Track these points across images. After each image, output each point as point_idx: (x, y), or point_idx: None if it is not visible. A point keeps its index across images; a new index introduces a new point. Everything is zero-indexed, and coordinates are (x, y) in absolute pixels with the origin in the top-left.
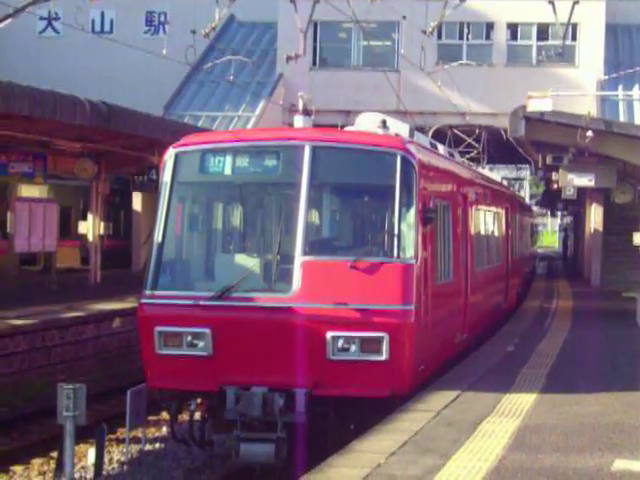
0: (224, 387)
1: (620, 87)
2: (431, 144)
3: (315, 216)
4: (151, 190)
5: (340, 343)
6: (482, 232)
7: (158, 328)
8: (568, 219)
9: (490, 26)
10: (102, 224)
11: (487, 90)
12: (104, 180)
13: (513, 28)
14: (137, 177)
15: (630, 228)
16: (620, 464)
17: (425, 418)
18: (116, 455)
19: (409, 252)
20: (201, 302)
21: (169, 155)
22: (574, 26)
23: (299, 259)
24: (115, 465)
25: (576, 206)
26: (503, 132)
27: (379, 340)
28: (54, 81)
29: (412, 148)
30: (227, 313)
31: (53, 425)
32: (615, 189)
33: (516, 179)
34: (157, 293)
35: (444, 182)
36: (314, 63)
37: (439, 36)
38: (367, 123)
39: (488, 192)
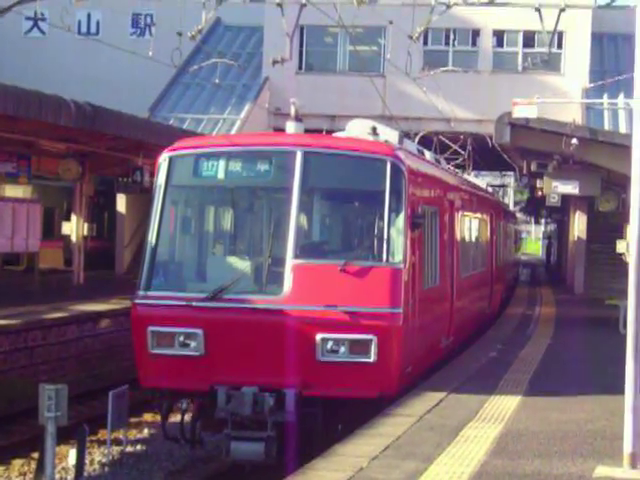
0: (215, 387)
1: (605, 95)
2: (418, 150)
3: (306, 220)
4: (135, 192)
5: (329, 345)
6: (467, 238)
7: (151, 328)
8: (552, 226)
9: (476, 33)
10: (86, 225)
11: (472, 96)
12: (88, 181)
13: (499, 35)
14: (121, 179)
15: (614, 236)
16: (602, 471)
17: (407, 423)
18: (97, 456)
19: (398, 256)
20: (194, 303)
21: (163, 159)
22: (560, 34)
23: (290, 262)
24: (96, 466)
25: (560, 213)
26: (488, 139)
27: (368, 342)
28: (39, 82)
29: (402, 154)
30: (219, 314)
31: (34, 426)
32: (599, 197)
33: (500, 186)
34: (150, 294)
35: (432, 188)
36: (300, 67)
37: (425, 42)
38: (357, 129)
39: (474, 199)
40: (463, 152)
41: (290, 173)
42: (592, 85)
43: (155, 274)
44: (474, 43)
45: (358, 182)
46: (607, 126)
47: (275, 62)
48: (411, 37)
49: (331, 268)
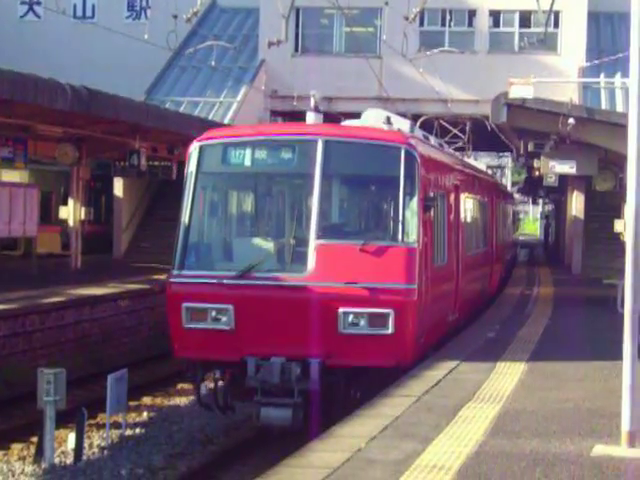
0: (245, 357)
1: (602, 75)
2: (424, 137)
3: (327, 204)
4: (132, 175)
5: (350, 318)
6: (471, 219)
7: (185, 304)
8: (549, 206)
9: (472, 13)
10: (83, 209)
11: (469, 77)
12: (85, 165)
13: (495, 15)
14: (118, 162)
15: (611, 215)
16: (600, 449)
17: (406, 403)
18: (96, 440)
19: (412, 236)
20: (224, 281)
21: (194, 147)
22: (556, 13)
23: (313, 242)
24: (95, 450)
25: (557, 193)
26: (487, 123)
27: (385, 316)
28: (35, 66)
29: (414, 142)
30: (248, 291)
31: (33, 410)
32: (596, 176)
33: (497, 167)
34: (184, 273)
35: (440, 173)
36: (296, 49)
37: (421, 23)
38: (372, 119)
39: (476, 181)
40: (463, 136)
41: (312, 160)
42: (589, 64)
43: (188, 255)
44: (470, 24)
45: (375, 168)
46: (604, 105)
47: (271, 44)
48: (407, 18)
49: (351, 248)
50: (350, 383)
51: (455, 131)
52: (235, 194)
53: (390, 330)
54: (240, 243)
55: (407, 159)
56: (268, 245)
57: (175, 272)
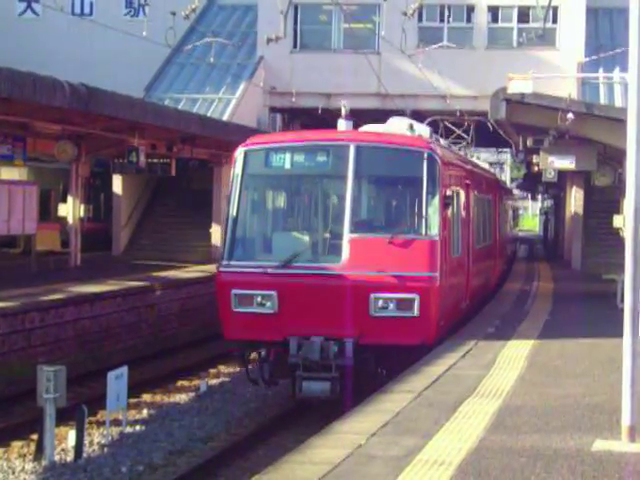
0: (288, 337)
1: (601, 70)
2: (436, 139)
3: (359, 202)
4: (131, 172)
5: (380, 302)
6: (479, 215)
7: (234, 291)
8: (549, 202)
9: (471, 8)
10: (82, 207)
11: (468, 72)
12: (84, 162)
13: (494, 10)
14: (117, 159)
15: (610, 211)
16: (600, 444)
17: (406, 399)
18: (96, 437)
19: (434, 230)
20: (269, 270)
21: (239, 152)
22: (555, 9)
23: (347, 236)
24: (95, 447)
25: (557, 189)
26: (490, 124)
27: (411, 300)
28: (34, 63)
29: (435, 147)
30: (290, 279)
31: (33, 407)
32: (596, 172)
33: (496, 163)
34: (232, 263)
35: (455, 173)
36: (294, 46)
37: (420, 18)
38: (396, 125)
39: (482, 180)
40: (467, 136)
41: (345, 163)
42: (587, 59)
43: (235, 247)
44: (469, 19)
45: (401, 170)
46: (603, 100)
47: (269, 40)
48: (405, 14)
49: (380, 240)
50: (379, 360)
51: (459, 132)
52: (276, 193)
53: (415, 313)
54: (281, 237)
55: (429, 162)
56: (306, 238)
57: (224, 262)
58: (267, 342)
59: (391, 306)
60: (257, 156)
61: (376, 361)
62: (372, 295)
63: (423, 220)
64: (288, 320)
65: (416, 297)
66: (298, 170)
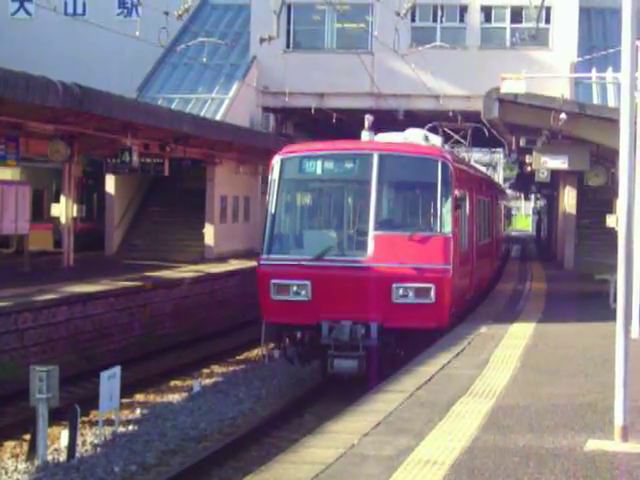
0: (321, 322)
1: (594, 70)
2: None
3: (381, 203)
4: (124, 172)
5: (401, 291)
6: (480, 214)
7: (273, 281)
8: (542, 202)
9: (464, 9)
10: (75, 207)
11: (461, 72)
12: (77, 162)
13: (487, 11)
14: (110, 159)
15: (603, 211)
16: (593, 444)
17: (399, 399)
18: (89, 437)
19: (447, 228)
20: (303, 263)
21: (276, 160)
22: (548, 9)
23: (371, 233)
24: (88, 447)
25: (549, 189)
26: (486, 129)
27: (428, 289)
28: (26, 63)
29: (447, 155)
30: (322, 270)
31: (26, 407)
32: (589, 172)
33: (488, 164)
34: (271, 257)
35: (464, 178)
36: (288, 46)
37: (413, 18)
38: (413, 136)
39: (483, 183)
40: (464, 141)
41: (369, 169)
42: (580, 60)
43: (273, 243)
44: (462, 19)
45: (418, 175)
46: (596, 100)
47: (262, 40)
48: (398, 14)
49: (401, 237)
50: (399, 342)
51: (457, 137)
52: (309, 196)
53: (432, 300)
54: (313, 234)
55: (443, 168)
56: (336, 235)
57: (264, 256)
58: (302, 325)
59: (410, 294)
60: (292, 163)
61: (396, 342)
62: (394, 284)
63: (438, 219)
64: (320, 306)
65: (432, 286)
66: (328, 175)
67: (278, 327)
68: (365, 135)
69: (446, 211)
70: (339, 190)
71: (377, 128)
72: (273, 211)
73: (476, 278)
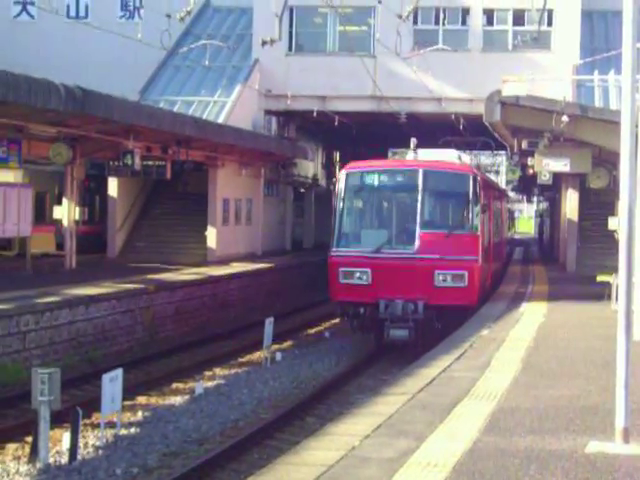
0: (379, 300)
1: (596, 72)
2: (459, 157)
3: (425, 208)
4: (126, 175)
5: (441, 277)
6: (495, 217)
7: (341, 269)
8: (544, 204)
9: (466, 11)
10: (77, 209)
11: (463, 75)
12: (79, 165)
13: (489, 13)
14: (112, 162)
15: (605, 213)
16: (594, 445)
17: (400, 401)
18: (91, 440)
19: (477, 228)
20: (364, 255)
21: (342, 174)
22: (550, 12)
23: (418, 231)
24: (90, 450)
25: (552, 191)
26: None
27: (462, 275)
28: (29, 66)
29: (476, 171)
30: (380, 261)
31: (28, 410)
32: (590, 174)
33: (491, 166)
34: (340, 249)
35: (485, 188)
36: (290, 48)
37: (415, 21)
38: (448, 156)
39: (495, 190)
40: (472, 157)
41: (416, 182)
42: (582, 62)
43: (341, 239)
44: (464, 22)
45: (454, 187)
46: (598, 103)
47: (264, 43)
48: (401, 16)
49: (441, 234)
50: (439, 316)
51: (466, 152)
52: (368, 202)
53: (465, 284)
54: (372, 232)
55: (473, 182)
56: (389, 233)
57: (334, 249)
58: (363, 304)
59: (448, 279)
60: (354, 176)
61: (437, 317)
62: (435, 271)
63: (469, 221)
64: (378, 288)
65: (465, 273)
66: (383, 186)
67: (345, 305)
68: (410, 155)
69: (475, 215)
70: (392, 198)
71: (379, 130)
72: (340, 214)
73: (492, 269)
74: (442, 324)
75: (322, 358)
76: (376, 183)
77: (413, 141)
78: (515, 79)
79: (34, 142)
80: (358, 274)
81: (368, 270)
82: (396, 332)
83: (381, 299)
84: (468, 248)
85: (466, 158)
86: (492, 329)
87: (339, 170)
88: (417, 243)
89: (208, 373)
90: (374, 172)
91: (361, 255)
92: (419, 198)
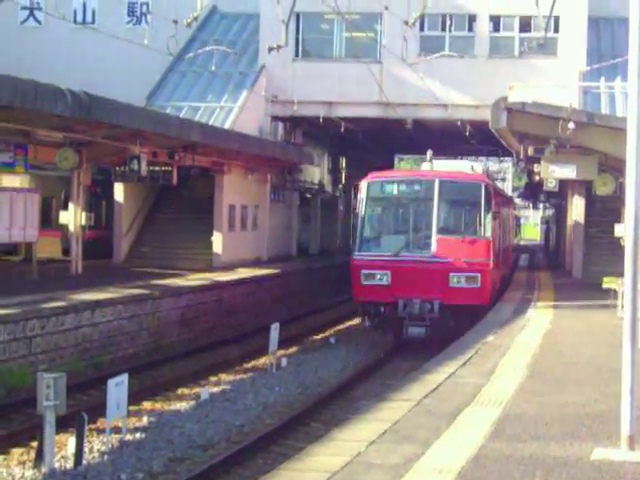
0: (398, 299)
1: (602, 79)
2: (472, 167)
3: (441, 215)
4: (133, 180)
5: (455, 278)
6: (503, 224)
7: (363, 271)
8: (550, 211)
9: (472, 18)
10: (84, 214)
11: (469, 82)
12: (86, 170)
13: (495, 20)
14: (119, 167)
15: (612, 220)
16: (599, 452)
17: (405, 407)
18: (96, 445)
19: (488, 233)
20: (385, 258)
21: (363, 183)
22: (556, 18)
23: (434, 236)
24: (95, 455)
25: (558, 198)
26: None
27: (476, 276)
28: (36, 71)
29: (488, 181)
30: (399, 264)
31: (33, 415)
32: (597, 181)
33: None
34: (362, 253)
35: (496, 196)
36: (296, 54)
37: (421, 28)
38: (462, 167)
39: (503, 198)
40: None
41: (432, 190)
42: (589, 69)
43: (363, 244)
44: (470, 28)
45: (468, 195)
46: (604, 110)
47: (271, 49)
48: (407, 23)
49: (456, 239)
50: (453, 315)
51: (469, 162)
52: (388, 209)
53: (478, 285)
54: (391, 237)
55: (485, 190)
56: (407, 238)
57: (356, 253)
58: (383, 303)
59: (462, 280)
60: (375, 186)
61: (452, 316)
62: (450, 273)
63: (482, 227)
64: (397, 289)
65: (478, 275)
66: (402, 195)
67: (366, 304)
68: (426, 165)
69: (487, 221)
70: (410, 205)
71: (385, 136)
72: (361, 220)
73: (501, 272)
74: (456, 322)
75: (327, 364)
76: (395, 192)
77: (429, 152)
78: (521, 86)
79: (41, 147)
80: (379, 276)
81: (388, 272)
82: (414, 329)
83: (400, 299)
84: (481, 252)
85: (478, 168)
86: (498, 335)
87: (345, 177)
88: (433, 247)
89: (213, 378)
90: (393, 182)
91: (381, 259)
92: (435, 206)
